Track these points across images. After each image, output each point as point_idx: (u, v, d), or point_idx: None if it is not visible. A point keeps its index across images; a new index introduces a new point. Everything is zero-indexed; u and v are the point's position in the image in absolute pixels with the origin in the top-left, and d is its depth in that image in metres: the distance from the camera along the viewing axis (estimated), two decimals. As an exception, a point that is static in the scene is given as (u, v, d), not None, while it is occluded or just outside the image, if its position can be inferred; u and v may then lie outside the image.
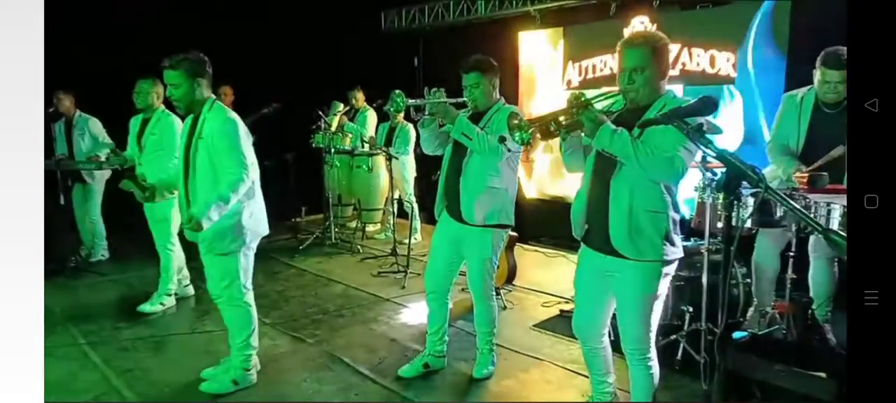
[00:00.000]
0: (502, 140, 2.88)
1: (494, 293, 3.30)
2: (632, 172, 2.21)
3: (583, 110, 2.22)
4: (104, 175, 5.57)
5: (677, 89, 5.07)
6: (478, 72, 3.02)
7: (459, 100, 3.10)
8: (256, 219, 3.08)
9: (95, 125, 5.47)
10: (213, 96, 3.07)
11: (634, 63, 2.23)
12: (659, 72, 2.25)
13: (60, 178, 5.19)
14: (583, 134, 2.31)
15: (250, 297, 3.14)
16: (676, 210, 2.29)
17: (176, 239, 4.37)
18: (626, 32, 5.35)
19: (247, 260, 3.09)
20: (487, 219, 3.06)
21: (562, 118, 2.31)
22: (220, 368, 3.26)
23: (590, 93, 2.36)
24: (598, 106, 2.29)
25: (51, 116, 5.32)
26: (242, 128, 3.00)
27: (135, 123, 4.41)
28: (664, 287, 2.34)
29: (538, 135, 2.39)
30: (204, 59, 3.02)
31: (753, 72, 4.83)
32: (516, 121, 2.40)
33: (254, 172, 3.00)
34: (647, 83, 2.23)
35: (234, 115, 3.02)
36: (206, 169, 2.93)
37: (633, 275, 2.30)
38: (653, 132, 2.16)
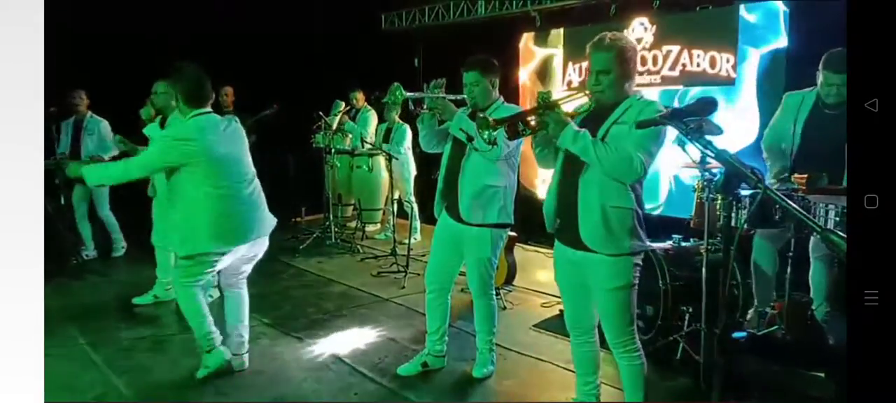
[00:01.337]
0: (470, 139, 2.90)
1: (494, 292, 3.30)
2: (599, 171, 2.27)
3: (549, 111, 2.29)
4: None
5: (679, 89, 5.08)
6: (477, 71, 3.03)
7: (459, 96, 3.11)
8: (196, 227, 2.99)
9: (105, 127, 5.49)
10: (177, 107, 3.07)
11: (600, 66, 2.31)
12: (624, 74, 2.32)
13: (61, 178, 5.18)
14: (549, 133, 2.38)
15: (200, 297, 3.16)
16: (641, 207, 2.38)
17: None
18: (626, 34, 5.35)
19: (201, 267, 3.07)
20: (487, 219, 3.06)
21: (530, 118, 2.39)
22: None
23: (561, 95, 2.41)
24: (568, 106, 2.36)
25: (58, 114, 5.32)
26: (175, 140, 2.94)
27: (154, 129, 4.08)
28: (635, 277, 2.41)
29: (506, 135, 2.47)
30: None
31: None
32: (482, 121, 2.48)
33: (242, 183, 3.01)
34: (612, 85, 2.31)
35: (183, 131, 2.97)
36: (163, 182, 3.01)
37: (604, 269, 2.36)
38: (619, 132, 2.26)
